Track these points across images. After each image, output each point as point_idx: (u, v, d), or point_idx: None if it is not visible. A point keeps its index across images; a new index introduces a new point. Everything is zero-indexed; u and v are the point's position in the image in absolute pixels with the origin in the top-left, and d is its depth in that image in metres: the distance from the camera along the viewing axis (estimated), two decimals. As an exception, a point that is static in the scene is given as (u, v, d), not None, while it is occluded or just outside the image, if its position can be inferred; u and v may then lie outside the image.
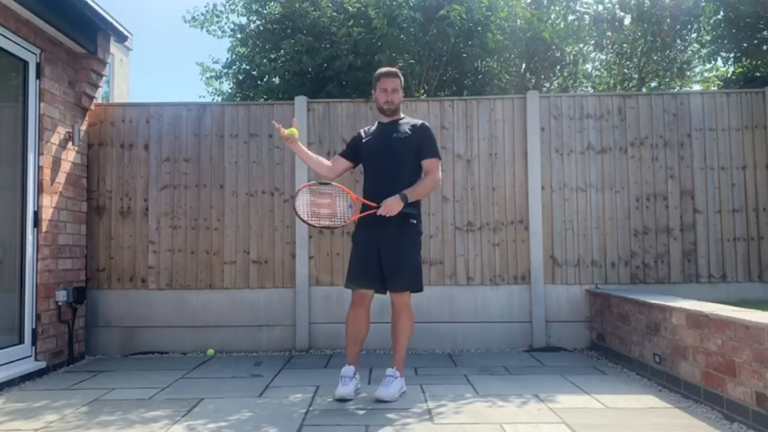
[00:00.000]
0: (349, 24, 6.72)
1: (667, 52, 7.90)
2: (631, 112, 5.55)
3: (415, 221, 3.76)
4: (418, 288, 3.77)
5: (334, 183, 3.84)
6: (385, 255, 3.70)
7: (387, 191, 3.66)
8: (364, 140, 3.96)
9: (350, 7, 6.90)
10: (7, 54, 4.38)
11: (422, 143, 3.81)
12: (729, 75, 7.73)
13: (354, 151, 3.98)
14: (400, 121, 3.92)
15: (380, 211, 3.61)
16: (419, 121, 3.92)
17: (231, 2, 8.24)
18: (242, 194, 5.56)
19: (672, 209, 5.46)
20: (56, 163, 4.86)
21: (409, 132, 3.82)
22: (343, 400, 3.65)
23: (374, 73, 4.00)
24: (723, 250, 5.41)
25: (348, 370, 3.75)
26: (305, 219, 3.74)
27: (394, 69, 3.98)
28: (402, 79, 3.95)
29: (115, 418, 3.41)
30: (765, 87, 5.58)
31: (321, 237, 5.50)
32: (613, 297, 4.85)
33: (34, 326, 4.56)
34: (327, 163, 4.02)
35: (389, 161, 3.80)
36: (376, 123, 4.03)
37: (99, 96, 5.56)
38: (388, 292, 3.78)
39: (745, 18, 6.51)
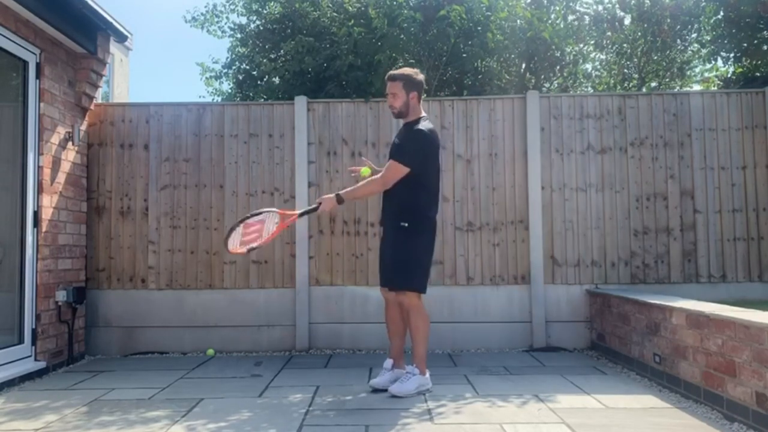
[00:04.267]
0: (350, 24, 6.72)
1: (667, 52, 7.89)
2: (631, 112, 5.55)
3: (406, 224, 3.78)
4: (404, 288, 3.80)
5: (262, 211, 3.85)
6: (382, 255, 3.98)
7: (387, 194, 3.89)
8: None
9: (350, 7, 6.90)
10: (7, 54, 4.38)
11: (400, 144, 3.85)
12: (729, 75, 7.72)
13: None
14: (408, 125, 3.93)
15: (320, 208, 3.80)
16: (419, 126, 3.83)
17: (231, 2, 8.24)
18: (242, 194, 5.55)
19: (672, 209, 5.45)
20: (56, 163, 4.86)
21: (402, 137, 3.89)
22: (375, 390, 3.87)
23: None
24: (723, 250, 5.41)
25: (387, 362, 4.00)
26: (233, 250, 3.72)
27: (394, 72, 3.93)
28: (405, 80, 3.85)
29: (115, 418, 3.41)
30: (765, 87, 5.58)
31: (321, 237, 5.50)
32: (613, 297, 4.85)
33: (33, 326, 4.56)
34: None
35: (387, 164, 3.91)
36: None
37: (99, 96, 5.56)
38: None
39: (745, 18, 6.50)
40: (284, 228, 3.90)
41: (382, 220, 4.05)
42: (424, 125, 3.85)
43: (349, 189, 3.87)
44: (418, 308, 3.83)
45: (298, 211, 3.97)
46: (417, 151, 3.78)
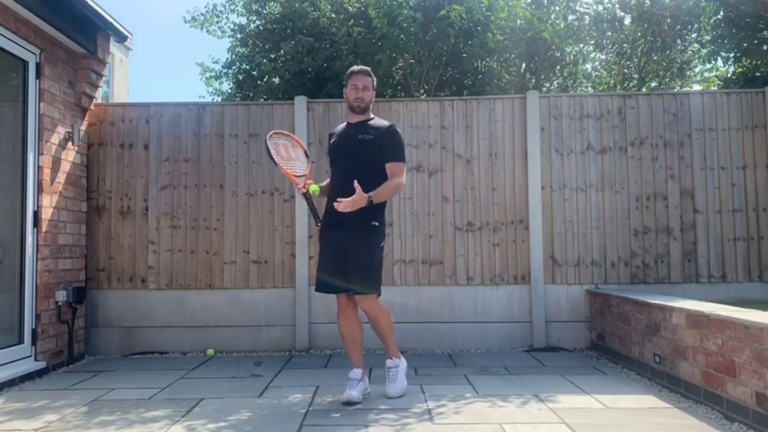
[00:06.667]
0: (349, 24, 6.73)
1: (667, 52, 7.91)
2: (631, 112, 5.55)
3: (377, 223, 3.70)
4: (373, 291, 3.70)
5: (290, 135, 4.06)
6: (348, 258, 3.66)
7: (347, 192, 3.53)
8: (331, 141, 3.90)
9: (350, 7, 6.91)
10: (7, 54, 4.38)
11: (386, 146, 3.73)
12: (729, 75, 7.73)
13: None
14: (369, 122, 3.82)
15: (339, 207, 3.50)
16: (387, 124, 3.83)
17: (231, 2, 8.26)
18: (242, 194, 5.55)
19: (672, 209, 5.45)
20: (56, 163, 4.86)
21: (375, 134, 3.74)
22: (350, 403, 3.59)
23: (346, 72, 3.94)
24: (723, 250, 5.41)
25: (355, 373, 3.70)
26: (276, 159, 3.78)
27: (366, 67, 3.90)
28: (374, 78, 3.89)
29: (115, 418, 3.41)
30: (765, 87, 5.58)
31: (321, 237, 5.50)
32: (613, 297, 4.85)
33: (33, 326, 4.56)
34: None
35: (352, 162, 3.70)
36: (345, 122, 3.96)
37: (99, 96, 5.55)
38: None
39: (745, 18, 6.51)
40: (290, 177, 3.81)
41: (334, 221, 3.66)
42: (390, 123, 3.88)
43: (376, 191, 3.59)
44: (380, 306, 3.76)
45: (304, 189, 3.72)
46: (402, 148, 3.81)
